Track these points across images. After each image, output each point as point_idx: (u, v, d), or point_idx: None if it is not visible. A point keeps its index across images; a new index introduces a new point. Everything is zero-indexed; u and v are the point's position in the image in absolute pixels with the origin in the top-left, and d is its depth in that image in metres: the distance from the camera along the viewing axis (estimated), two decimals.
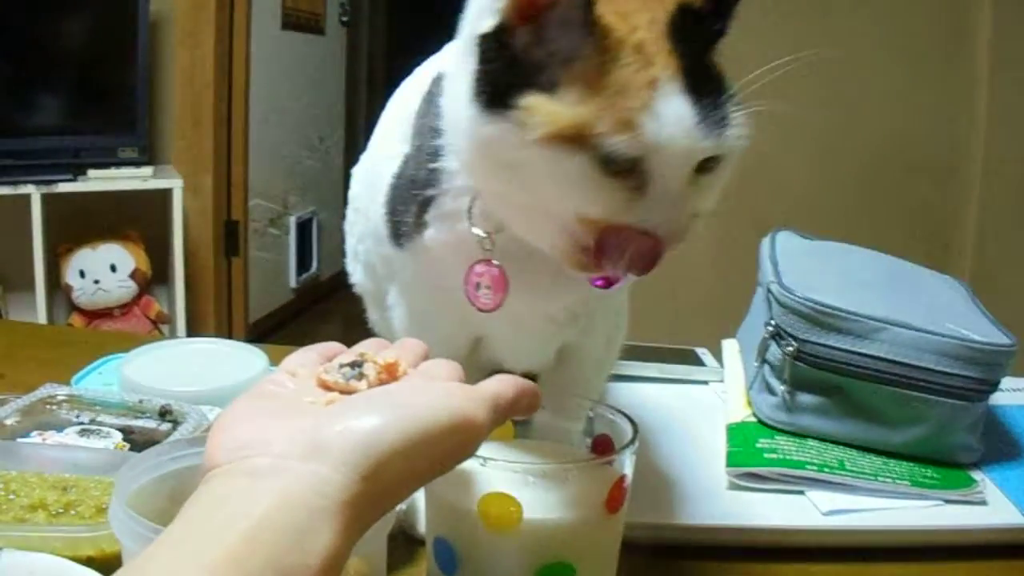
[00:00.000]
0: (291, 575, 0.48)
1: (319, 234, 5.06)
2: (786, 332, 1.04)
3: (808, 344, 1.02)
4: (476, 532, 0.66)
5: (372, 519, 0.55)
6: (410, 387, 0.61)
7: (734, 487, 0.99)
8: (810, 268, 1.12)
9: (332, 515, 0.51)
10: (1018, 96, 3.28)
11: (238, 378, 1.16)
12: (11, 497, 0.83)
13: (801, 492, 0.97)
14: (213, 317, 3.92)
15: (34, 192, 3.39)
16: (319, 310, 4.98)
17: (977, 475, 1.01)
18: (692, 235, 0.71)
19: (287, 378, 0.63)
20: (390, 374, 0.62)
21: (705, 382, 1.28)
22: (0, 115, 3.47)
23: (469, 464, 0.64)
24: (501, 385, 0.62)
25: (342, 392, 0.60)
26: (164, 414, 1.05)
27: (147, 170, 3.61)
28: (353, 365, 0.62)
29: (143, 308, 3.70)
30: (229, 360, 1.24)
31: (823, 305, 1.02)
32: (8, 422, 1.02)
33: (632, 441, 0.69)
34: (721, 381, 1.23)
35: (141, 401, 1.07)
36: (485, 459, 0.64)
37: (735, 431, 1.08)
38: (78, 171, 3.49)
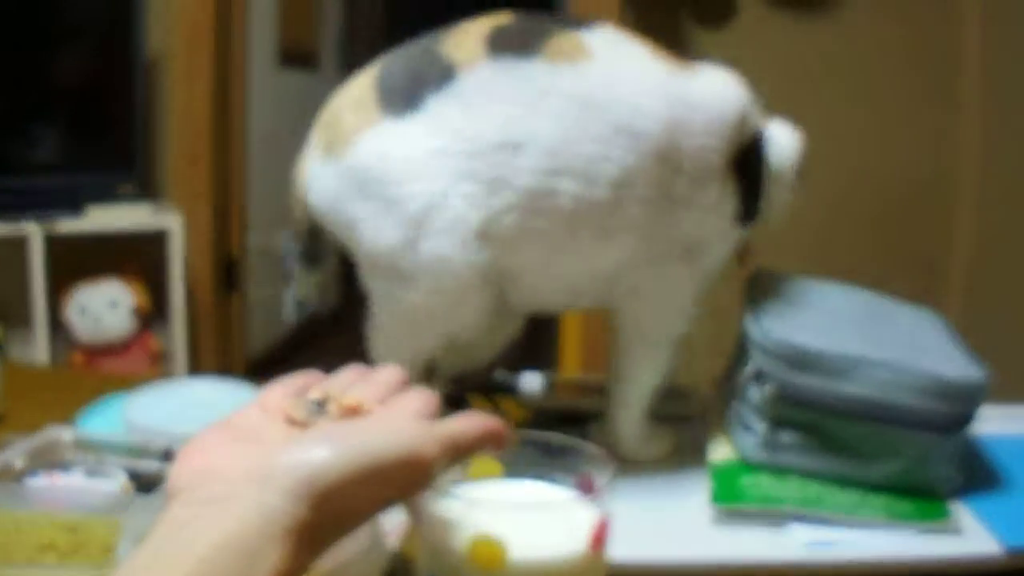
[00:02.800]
0: None
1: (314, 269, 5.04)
2: (765, 373, 1.07)
3: (787, 385, 1.05)
4: (466, 572, 0.68)
5: (323, 544, 0.58)
6: (364, 423, 0.65)
7: (718, 522, 1.02)
8: (787, 308, 1.15)
9: (279, 541, 0.54)
10: (1008, 124, 3.31)
11: None
12: (22, 538, 0.86)
13: (783, 525, 1.01)
14: (213, 353, 3.93)
15: (35, 230, 3.41)
16: (318, 343, 5.00)
17: (956, 505, 1.04)
18: None
19: (256, 411, 0.67)
20: (351, 414, 0.66)
21: (689, 418, 1.30)
22: None
23: (456, 506, 0.67)
24: (463, 424, 0.65)
25: (302, 427, 0.64)
26: (167, 456, 1.09)
27: (145, 206, 3.64)
28: (318, 403, 0.66)
29: (143, 344, 3.72)
30: (229, 400, 1.27)
31: (801, 348, 1.05)
32: (16, 464, 1.05)
33: (613, 478, 0.71)
34: (704, 417, 1.26)
35: (145, 442, 1.10)
36: (471, 500, 0.68)
37: (718, 469, 1.11)
38: (77, 208, 3.52)
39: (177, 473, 0.59)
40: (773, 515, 1.01)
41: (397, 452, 0.60)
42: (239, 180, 4.03)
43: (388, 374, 0.73)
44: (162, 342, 3.79)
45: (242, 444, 0.61)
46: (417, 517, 0.71)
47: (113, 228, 3.55)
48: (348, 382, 0.71)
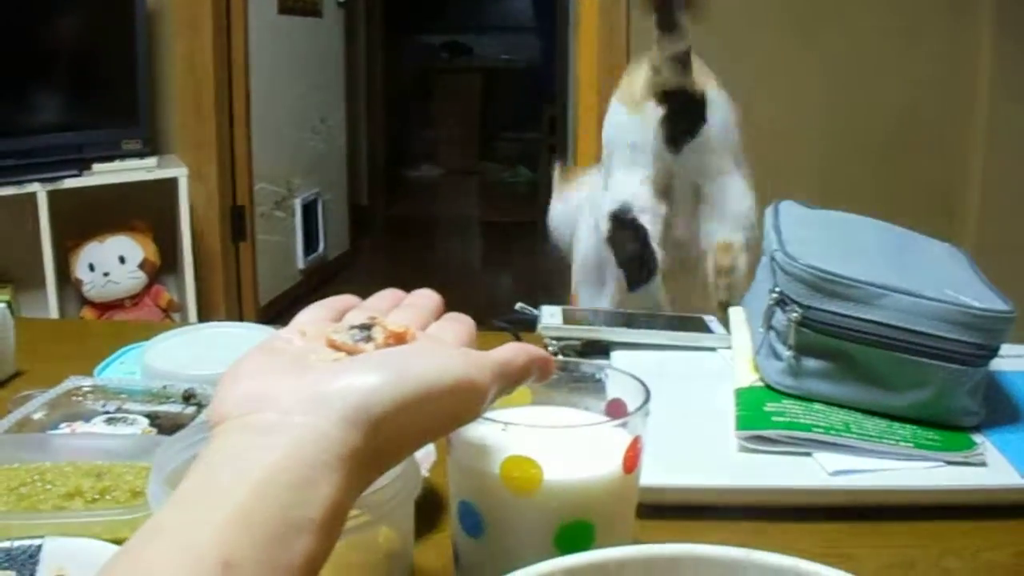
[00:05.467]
0: (296, 528, 0.50)
1: (324, 215, 5.07)
2: (790, 299, 1.06)
3: (812, 310, 1.04)
4: (499, 495, 0.68)
5: (375, 473, 0.58)
6: (414, 349, 0.63)
7: (743, 450, 1.02)
8: (813, 236, 1.14)
9: (333, 469, 0.53)
10: (1021, 68, 3.29)
11: None
12: (48, 487, 0.86)
13: (808, 454, 1.00)
14: (223, 302, 3.94)
15: (40, 190, 3.41)
16: (327, 290, 4.99)
17: (978, 438, 1.03)
18: None
19: (296, 336, 0.65)
20: (398, 340, 0.63)
21: (713, 349, 1.30)
22: (1, 115, 3.49)
23: (490, 429, 0.67)
24: (511, 352, 0.64)
25: (349, 353, 0.61)
26: (188, 398, 1.08)
27: (151, 161, 3.63)
28: (363, 327, 0.63)
29: (154, 297, 3.73)
30: (248, 342, 1.26)
31: (826, 272, 1.04)
32: (36, 416, 1.05)
33: (645, 403, 0.72)
34: (729, 347, 1.26)
35: (165, 387, 1.10)
36: (506, 423, 0.67)
37: (743, 395, 1.10)
38: (83, 166, 3.52)
39: (221, 399, 0.58)
40: (798, 442, 1.00)
41: (452, 379, 0.59)
42: (244, 130, 4.01)
43: (426, 299, 0.71)
44: (172, 295, 3.79)
45: (290, 370, 0.59)
46: (448, 442, 0.71)
47: (119, 184, 3.54)
48: (386, 307, 0.70)
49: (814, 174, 3.43)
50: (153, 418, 1.06)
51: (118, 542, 0.75)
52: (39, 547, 0.75)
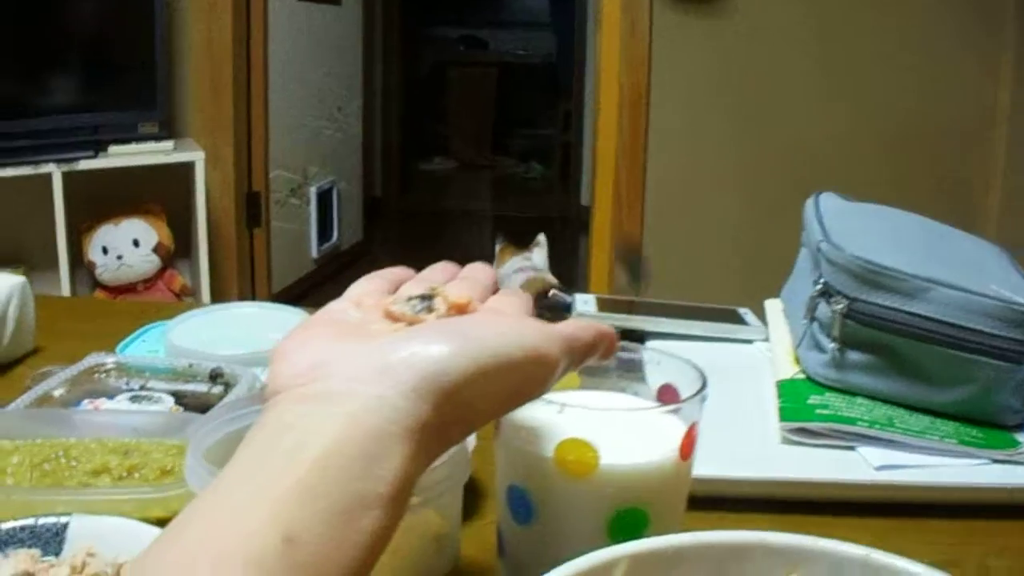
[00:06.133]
0: (363, 502, 0.47)
1: (339, 204, 5.05)
2: (836, 290, 1.03)
3: (858, 302, 1.02)
4: (552, 479, 0.66)
5: (441, 448, 0.54)
6: (482, 319, 0.59)
7: (786, 442, 1.00)
8: (856, 228, 1.12)
9: (401, 442, 0.50)
10: None
11: None
12: (73, 464, 0.83)
13: (852, 448, 0.98)
14: (236, 288, 3.92)
15: (55, 170, 3.39)
16: (340, 279, 4.99)
17: (1020, 436, 1.01)
18: None
19: (351, 307, 0.61)
20: (459, 312, 0.60)
21: (750, 341, 1.27)
22: (18, 94, 3.47)
23: (545, 410, 0.64)
24: (577, 328, 0.61)
25: (409, 324, 0.58)
26: (215, 377, 1.06)
27: (168, 144, 3.61)
28: (423, 298, 0.60)
29: (167, 282, 3.71)
30: (274, 322, 1.24)
31: (873, 264, 1.01)
32: (57, 393, 1.02)
33: (703, 388, 0.69)
34: (765, 339, 1.23)
35: (191, 366, 1.07)
36: (562, 405, 0.64)
37: (785, 387, 1.08)
38: (98, 148, 3.50)
39: (277, 371, 0.54)
40: (842, 435, 0.98)
41: (523, 351, 0.56)
42: (261, 116, 3.99)
43: (482, 272, 0.68)
44: (186, 279, 3.77)
45: (350, 339, 0.56)
46: (496, 425, 0.68)
47: (135, 166, 3.53)
48: (442, 279, 0.67)
49: (834, 172, 3.41)
50: (179, 397, 1.03)
51: (148, 521, 0.73)
52: (65, 525, 0.72)
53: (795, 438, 0.99)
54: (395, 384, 0.51)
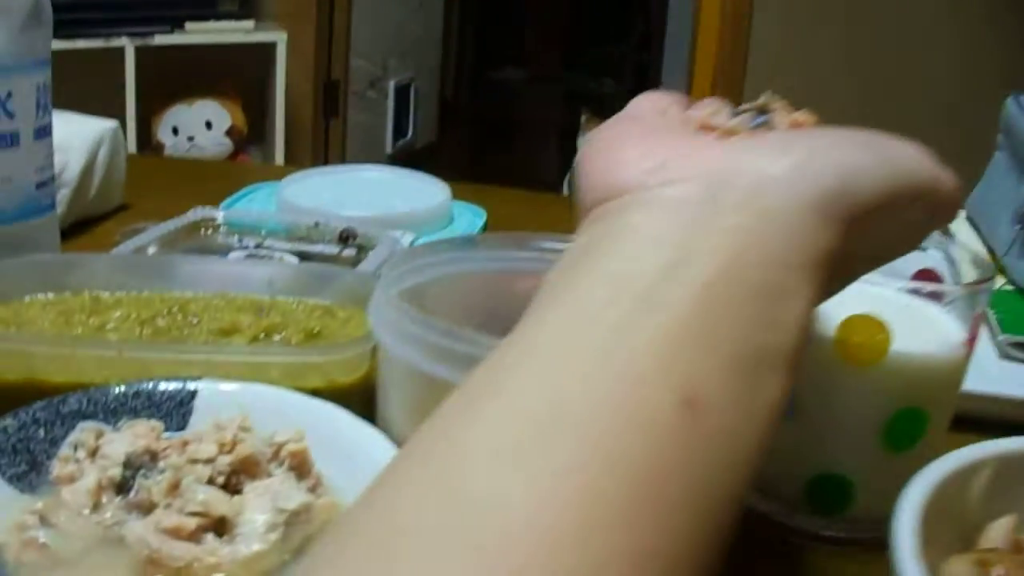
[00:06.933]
0: (765, 360, 0.33)
1: (416, 100, 4.89)
2: None
3: None
4: (829, 365, 0.54)
5: (836, 291, 0.41)
6: (864, 137, 0.41)
7: (1006, 356, 0.87)
8: None
9: (804, 277, 0.35)
10: None
11: (421, 206, 1.00)
12: (193, 321, 0.67)
13: None
14: None
15: (128, 45, 3.24)
16: None
17: None
18: None
19: (654, 115, 0.44)
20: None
21: (924, 248, 1.13)
22: None
23: None
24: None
25: None
26: (346, 239, 0.90)
27: (248, 23, 3.45)
28: (759, 111, 0.44)
29: None
30: (400, 189, 1.08)
31: None
32: (152, 250, 0.86)
33: (991, 277, 0.59)
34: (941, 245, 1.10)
35: (317, 225, 0.91)
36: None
37: (998, 298, 0.94)
38: (175, 23, 3.34)
39: (595, 174, 0.39)
40: None
41: (929, 172, 0.40)
42: (344, 1, 3.83)
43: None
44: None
45: (686, 139, 0.40)
46: None
47: (212, 44, 3.37)
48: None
49: (950, 96, 3.26)
50: (303, 258, 0.87)
51: (302, 391, 0.56)
52: (193, 393, 0.56)
53: (1016, 353, 0.87)
54: (792, 197, 0.35)
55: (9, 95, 0.78)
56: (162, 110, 3.49)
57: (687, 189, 0.36)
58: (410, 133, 4.85)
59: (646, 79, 7.15)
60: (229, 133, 3.50)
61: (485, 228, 1.07)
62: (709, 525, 0.30)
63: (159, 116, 3.49)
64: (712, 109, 0.43)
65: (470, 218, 1.08)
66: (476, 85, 7.76)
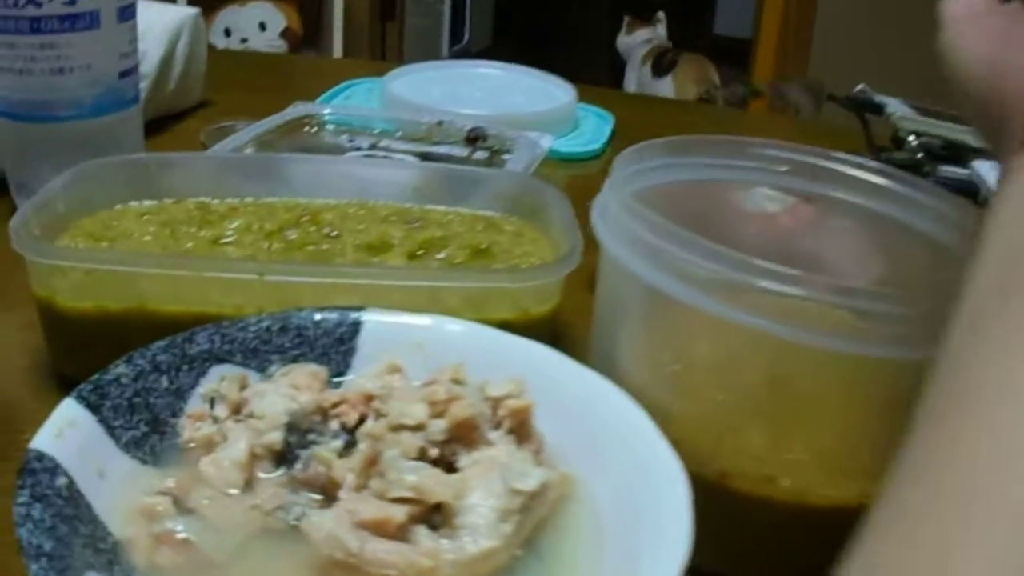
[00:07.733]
0: None
1: (472, 4, 4.75)
2: None
3: None
4: None
5: None
6: None
7: None
8: None
9: None
10: None
11: (546, 106, 0.88)
12: (330, 234, 0.55)
13: None
14: None
15: None
16: None
17: None
18: None
19: None
20: None
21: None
22: None
23: None
24: None
25: None
26: (475, 140, 0.77)
27: None
28: None
29: None
30: (519, 86, 0.96)
31: None
32: (249, 151, 0.74)
33: None
34: None
35: (441, 123, 0.78)
36: None
37: None
38: None
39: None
40: None
41: None
42: None
43: None
44: None
45: None
46: None
47: None
48: None
49: None
50: (426, 160, 0.74)
51: (487, 323, 0.44)
52: (356, 326, 0.43)
53: None
54: None
55: None
56: (214, 11, 3.36)
57: None
58: (466, 37, 4.72)
59: None
60: (284, 35, 3.37)
61: (613, 134, 0.96)
62: None
63: (211, 17, 3.36)
64: None
65: (596, 122, 0.98)
66: None
